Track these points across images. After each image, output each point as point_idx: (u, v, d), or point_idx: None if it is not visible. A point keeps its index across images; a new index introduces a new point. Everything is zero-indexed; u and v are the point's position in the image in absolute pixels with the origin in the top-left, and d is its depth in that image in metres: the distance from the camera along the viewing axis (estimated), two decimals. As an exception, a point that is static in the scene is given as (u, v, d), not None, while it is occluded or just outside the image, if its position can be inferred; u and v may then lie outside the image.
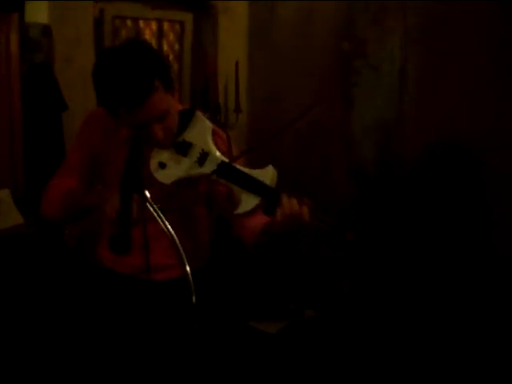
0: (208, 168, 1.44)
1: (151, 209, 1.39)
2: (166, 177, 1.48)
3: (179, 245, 1.34)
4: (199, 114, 1.53)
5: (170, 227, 1.35)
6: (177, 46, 3.72)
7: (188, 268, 1.32)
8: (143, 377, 1.71)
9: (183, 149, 1.48)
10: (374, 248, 2.51)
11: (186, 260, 1.33)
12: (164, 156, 1.49)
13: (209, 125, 1.50)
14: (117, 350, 1.71)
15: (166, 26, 3.68)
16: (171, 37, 3.71)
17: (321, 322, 3.00)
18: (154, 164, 1.49)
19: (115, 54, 1.42)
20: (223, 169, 1.43)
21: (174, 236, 1.35)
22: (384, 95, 2.26)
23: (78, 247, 2.83)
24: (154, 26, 3.66)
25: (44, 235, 2.78)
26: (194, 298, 1.32)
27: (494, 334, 1.99)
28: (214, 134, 1.51)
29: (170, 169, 1.48)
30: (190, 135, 1.49)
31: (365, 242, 2.54)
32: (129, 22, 3.59)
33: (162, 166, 1.48)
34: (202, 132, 1.49)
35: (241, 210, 1.40)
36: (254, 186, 1.38)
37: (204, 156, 1.46)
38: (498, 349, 1.97)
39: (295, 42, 2.97)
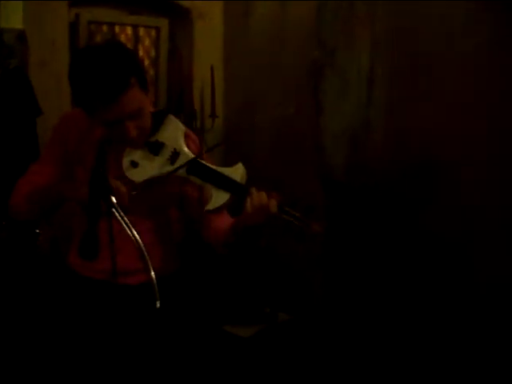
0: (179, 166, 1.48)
1: (117, 214, 1.41)
2: (137, 175, 1.52)
3: (144, 250, 1.35)
4: (171, 116, 1.57)
5: (135, 233, 1.37)
6: (153, 52, 3.72)
7: (153, 273, 1.33)
8: (115, 382, 1.73)
9: (155, 148, 1.52)
10: (344, 251, 2.56)
11: (150, 265, 1.34)
12: (136, 155, 1.53)
13: (181, 127, 1.56)
14: (88, 356, 1.72)
15: (141, 31, 3.68)
16: (147, 42, 3.71)
17: (295, 325, 3.02)
18: (126, 163, 1.53)
19: (92, 51, 1.46)
20: (194, 166, 1.47)
21: (139, 241, 1.36)
22: (352, 103, 2.30)
23: (52, 252, 2.82)
24: (129, 31, 3.66)
25: (17, 240, 2.76)
26: (157, 304, 1.33)
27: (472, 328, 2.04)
28: (186, 136, 1.56)
29: (142, 167, 1.52)
30: (163, 136, 1.54)
31: (336, 245, 2.59)
32: (104, 27, 3.58)
33: (135, 165, 1.53)
34: (174, 133, 1.54)
35: (211, 206, 1.45)
36: (224, 183, 1.43)
37: (175, 155, 1.50)
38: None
39: (269, 48, 3.01)
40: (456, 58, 1.99)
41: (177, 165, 1.49)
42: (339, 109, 2.36)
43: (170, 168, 1.49)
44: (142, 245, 1.36)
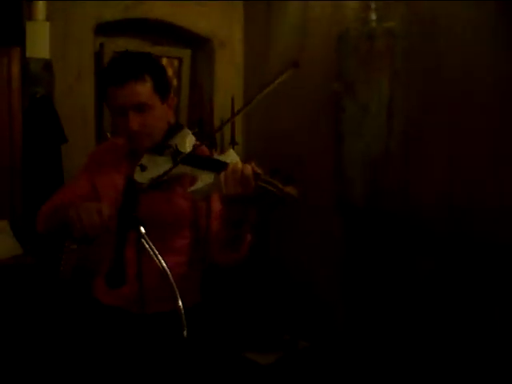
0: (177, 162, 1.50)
1: (146, 245, 1.45)
2: (143, 177, 1.56)
3: (172, 279, 1.39)
4: (186, 128, 1.63)
5: (163, 262, 1.40)
6: (175, 81, 3.80)
7: (180, 302, 1.36)
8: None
9: (161, 149, 1.58)
10: (365, 277, 2.57)
11: (178, 294, 1.37)
12: (145, 159, 1.59)
13: (192, 137, 1.61)
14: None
15: (164, 61, 3.75)
16: (170, 72, 3.77)
17: (314, 353, 3.02)
18: (136, 168, 1.58)
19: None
20: (188, 158, 1.49)
21: (167, 271, 1.39)
22: (372, 132, 2.34)
23: (74, 278, 2.86)
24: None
25: (42, 266, 2.79)
26: (185, 333, 1.37)
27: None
28: (196, 147, 1.57)
29: (149, 170, 1.56)
30: (172, 141, 1.59)
31: (356, 271, 2.61)
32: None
33: (143, 168, 1.57)
34: (182, 139, 1.59)
35: (194, 187, 1.45)
36: (211, 165, 1.43)
37: (176, 153, 1.54)
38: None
39: (289, 78, 3.06)
40: (476, 90, 2.01)
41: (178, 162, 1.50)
42: (359, 138, 2.40)
43: (169, 165, 1.51)
44: (170, 274, 1.38)
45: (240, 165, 1.38)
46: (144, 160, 1.58)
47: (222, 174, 1.39)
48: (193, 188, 1.46)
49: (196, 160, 1.48)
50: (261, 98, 1.39)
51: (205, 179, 1.45)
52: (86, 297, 1.93)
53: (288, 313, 3.23)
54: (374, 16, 2.34)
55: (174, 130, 1.64)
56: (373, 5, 2.35)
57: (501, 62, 1.90)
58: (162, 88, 1.62)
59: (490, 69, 1.94)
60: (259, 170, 1.36)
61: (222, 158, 1.45)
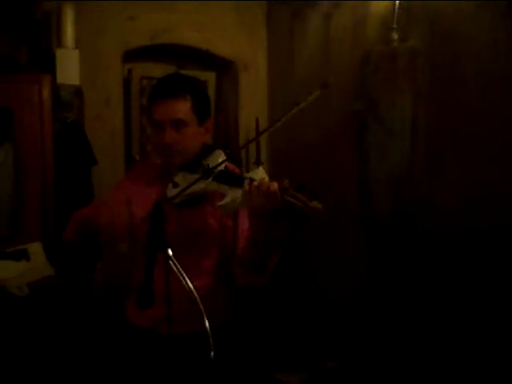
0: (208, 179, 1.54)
1: (174, 267, 1.48)
2: (173, 193, 1.60)
3: (199, 300, 1.41)
4: (219, 149, 1.68)
5: (190, 284, 1.43)
6: None
7: (207, 323, 1.39)
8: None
9: (193, 167, 1.63)
10: (390, 295, 2.56)
11: (205, 315, 1.40)
12: (178, 177, 1.64)
13: (224, 156, 1.65)
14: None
15: None
16: None
17: (342, 373, 3.01)
18: (169, 186, 1.63)
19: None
20: (217, 175, 1.53)
21: (195, 293, 1.42)
22: (396, 152, 2.36)
23: (104, 298, 2.91)
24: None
25: (73, 286, 2.86)
26: (212, 354, 1.39)
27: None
28: (227, 166, 1.63)
29: (181, 186, 1.60)
30: (205, 160, 1.63)
31: (381, 289, 2.60)
32: (155, 82, 3.78)
33: (175, 185, 1.62)
34: (215, 158, 1.62)
35: (223, 201, 1.49)
36: (238, 181, 1.47)
37: (208, 170, 1.56)
38: None
39: (313, 102, 3.11)
40: (497, 110, 2.02)
41: (208, 178, 1.55)
42: (384, 157, 2.42)
43: (200, 181, 1.55)
44: (197, 296, 1.40)
45: (267, 179, 1.42)
46: (177, 178, 1.64)
47: (249, 188, 1.43)
48: (221, 202, 1.49)
49: (225, 177, 1.52)
50: (289, 118, 1.43)
51: (233, 194, 1.48)
52: (116, 317, 1.95)
53: (316, 332, 3.24)
54: (395, 35, 2.37)
55: (208, 150, 1.69)
56: (394, 24, 2.38)
57: None
58: (201, 110, 1.69)
59: (507, 85, 1.95)
60: (287, 186, 1.38)
61: (250, 174, 1.49)
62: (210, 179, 1.55)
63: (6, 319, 2.61)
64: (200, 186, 1.56)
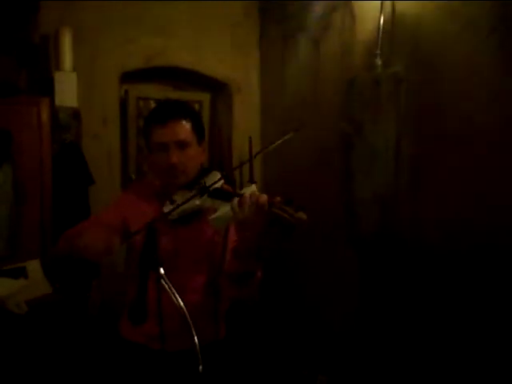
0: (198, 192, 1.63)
1: (165, 285, 1.56)
2: (168, 208, 1.68)
3: (188, 316, 1.47)
4: (216, 171, 1.78)
5: (181, 301, 1.50)
6: None
7: (196, 338, 1.45)
8: None
9: (191, 185, 1.72)
10: (378, 308, 2.63)
11: (194, 331, 1.47)
12: (177, 195, 1.73)
13: (219, 176, 1.73)
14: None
15: None
16: None
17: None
18: (166, 202, 1.72)
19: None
20: (212, 191, 1.62)
21: (185, 310, 1.47)
22: (380, 172, 2.44)
23: (100, 315, 2.96)
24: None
25: (69, 303, 2.89)
26: (200, 368, 1.45)
27: None
28: (222, 186, 1.70)
29: (176, 202, 1.69)
30: (202, 180, 1.72)
31: (370, 303, 2.67)
32: (151, 102, 3.85)
33: (172, 202, 1.71)
34: (211, 178, 1.71)
35: (214, 215, 1.57)
36: (229, 196, 1.55)
37: (203, 188, 1.65)
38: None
39: (303, 120, 3.22)
40: (477, 129, 2.11)
41: (204, 195, 1.64)
42: (368, 176, 2.50)
43: (196, 198, 1.63)
44: (186, 313, 1.46)
45: (257, 192, 1.50)
46: (176, 196, 1.72)
47: (240, 200, 1.49)
48: (213, 216, 1.58)
49: (219, 193, 1.61)
50: (264, 152, 1.52)
51: (225, 208, 1.56)
52: (111, 334, 2.01)
53: (306, 348, 3.28)
54: (379, 61, 2.47)
55: (206, 171, 1.79)
56: (378, 50, 2.48)
57: (500, 102, 2.00)
58: (199, 131, 1.80)
59: (491, 109, 2.04)
60: (276, 200, 1.45)
61: (243, 190, 1.56)
62: (205, 196, 1.64)
63: (5, 337, 2.62)
64: (195, 202, 1.65)
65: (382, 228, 2.50)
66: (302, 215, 1.41)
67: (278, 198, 1.45)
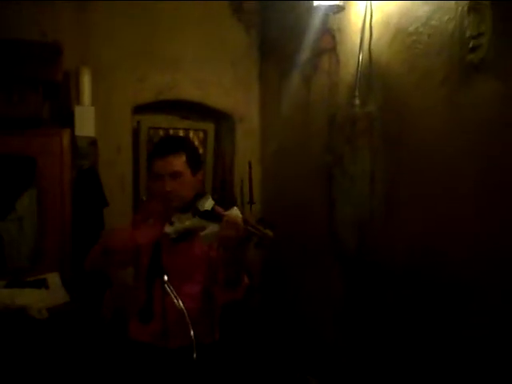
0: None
1: (168, 289, 1.89)
2: (171, 230, 2.01)
3: (187, 315, 1.75)
4: (208, 194, 2.08)
5: (181, 303, 1.78)
6: (201, 150, 4.12)
7: (192, 332, 1.72)
8: None
9: (186, 210, 2.03)
10: (361, 317, 2.83)
11: (191, 327, 1.74)
12: (174, 217, 2.04)
13: (211, 201, 2.03)
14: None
15: (191, 133, 4.18)
16: (196, 142, 4.14)
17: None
18: (167, 224, 2.03)
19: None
20: (202, 213, 1.95)
21: (185, 310, 1.77)
22: (358, 197, 2.72)
23: (113, 321, 3.16)
24: (181, 133, 4.16)
25: (85, 311, 3.11)
26: (194, 355, 1.75)
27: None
28: (214, 207, 2.00)
29: (175, 224, 2.02)
30: (196, 203, 2.03)
31: (354, 311, 2.89)
32: (161, 131, 4.11)
33: (171, 223, 2.03)
34: (204, 202, 2.01)
35: (203, 233, 1.90)
36: (217, 217, 1.89)
37: (196, 211, 1.98)
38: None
39: (295, 150, 3.55)
40: (439, 158, 2.34)
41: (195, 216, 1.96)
42: (348, 202, 2.81)
43: (189, 218, 1.97)
44: (186, 312, 1.76)
45: (234, 215, 1.85)
46: (173, 218, 2.04)
47: (224, 221, 1.84)
48: (202, 233, 1.92)
49: (207, 215, 1.94)
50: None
51: (212, 228, 1.90)
52: (122, 336, 2.27)
53: (298, 352, 3.48)
54: (357, 101, 2.80)
55: (200, 196, 2.09)
56: (357, 92, 2.82)
57: (453, 136, 2.25)
58: (194, 164, 2.11)
59: (446, 141, 2.28)
60: (250, 219, 1.83)
61: (227, 212, 1.90)
62: (197, 217, 1.98)
63: (28, 339, 2.87)
64: (186, 223, 1.98)
65: (359, 248, 2.78)
66: (269, 232, 1.79)
67: (251, 218, 1.82)
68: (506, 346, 1.98)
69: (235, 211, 1.88)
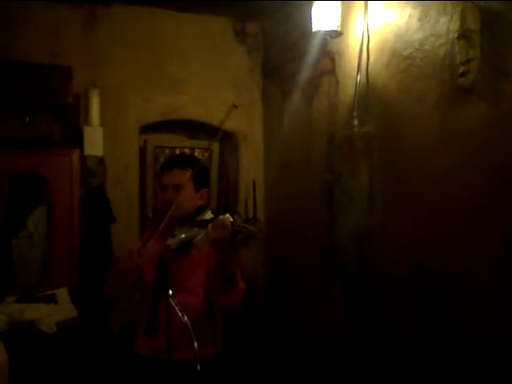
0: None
1: (173, 303, 1.98)
2: (172, 241, 2.12)
3: (191, 328, 1.80)
4: (209, 210, 2.22)
5: (186, 318, 1.84)
6: None
7: (196, 344, 1.77)
8: None
9: (186, 221, 2.15)
10: (361, 330, 2.89)
11: (195, 339, 1.78)
12: (176, 230, 2.15)
13: (210, 213, 2.17)
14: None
15: (197, 152, 4.26)
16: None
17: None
18: (169, 237, 2.14)
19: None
20: (198, 222, 2.08)
21: (189, 324, 1.82)
22: (357, 214, 2.82)
23: (120, 336, 3.24)
24: (187, 152, 4.25)
25: (93, 326, 3.21)
26: (198, 367, 1.81)
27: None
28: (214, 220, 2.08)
29: (177, 236, 2.13)
30: (197, 217, 2.17)
31: (354, 324, 2.96)
32: (167, 150, 4.23)
33: (173, 235, 2.14)
34: (203, 215, 2.17)
35: (198, 237, 2.02)
36: (208, 223, 2.01)
37: (194, 222, 2.10)
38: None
39: (298, 168, 3.66)
40: (435, 175, 2.41)
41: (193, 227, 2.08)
42: (347, 218, 2.91)
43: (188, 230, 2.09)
44: (190, 326, 1.81)
45: (222, 218, 1.96)
46: (176, 231, 2.17)
47: (213, 223, 1.97)
48: (197, 238, 2.05)
49: (202, 223, 2.07)
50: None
51: (203, 232, 2.02)
52: (128, 350, 2.35)
53: (300, 367, 3.55)
54: (356, 121, 2.91)
55: (201, 210, 2.25)
56: (355, 113, 2.93)
57: (444, 155, 2.35)
58: (198, 180, 2.26)
59: (439, 161, 2.37)
60: (238, 220, 1.96)
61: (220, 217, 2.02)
62: (195, 228, 2.09)
63: (37, 352, 2.97)
64: (182, 235, 2.10)
65: (359, 262, 2.88)
66: (254, 229, 1.93)
67: (238, 219, 1.96)
68: (505, 352, 2.03)
69: (226, 216, 2.00)
